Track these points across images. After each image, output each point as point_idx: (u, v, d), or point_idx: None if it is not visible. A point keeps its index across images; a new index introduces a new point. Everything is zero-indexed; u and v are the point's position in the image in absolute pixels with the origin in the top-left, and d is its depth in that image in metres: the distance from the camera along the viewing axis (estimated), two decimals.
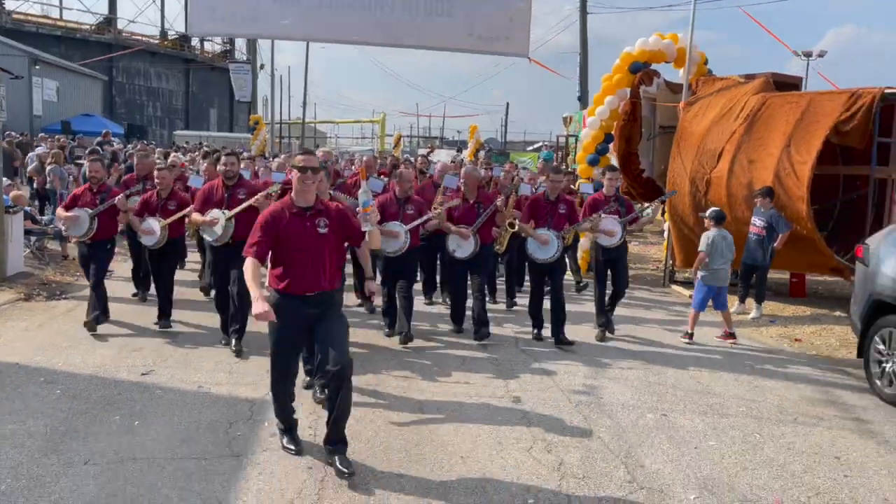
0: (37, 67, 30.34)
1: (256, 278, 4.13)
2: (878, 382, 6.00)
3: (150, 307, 7.74)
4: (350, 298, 8.27)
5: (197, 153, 16.44)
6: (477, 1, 10.37)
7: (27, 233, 10.30)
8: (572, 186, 10.00)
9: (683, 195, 10.20)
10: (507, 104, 51.48)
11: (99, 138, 19.34)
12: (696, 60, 11.77)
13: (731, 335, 7.74)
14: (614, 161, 12.47)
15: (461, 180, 7.51)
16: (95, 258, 7.21)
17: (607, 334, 7.62)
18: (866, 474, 4.47)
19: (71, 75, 35.07)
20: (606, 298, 7.69)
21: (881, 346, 6.00)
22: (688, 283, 11.19)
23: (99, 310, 7.07)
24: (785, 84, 10.64)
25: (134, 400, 5.25)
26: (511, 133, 62.17)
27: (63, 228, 7.98)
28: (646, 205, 7.11)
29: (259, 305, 3.95)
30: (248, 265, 4.18)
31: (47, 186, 13.12)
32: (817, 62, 44.70)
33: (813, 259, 9.19)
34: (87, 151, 12.83)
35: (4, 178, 10.47)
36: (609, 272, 7.67)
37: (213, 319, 7.11)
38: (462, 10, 10.35)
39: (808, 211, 8.68)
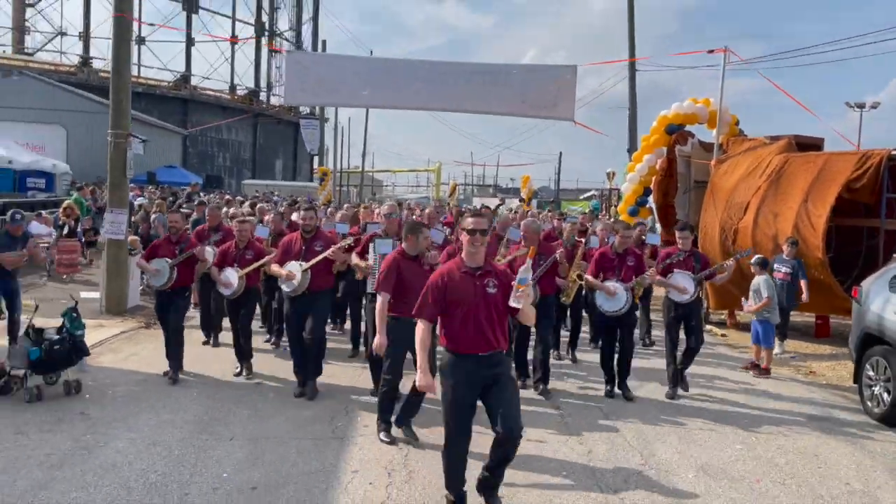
0: None
1: (425, 345, 4.35)
2: (868, 403, 7.04)
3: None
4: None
5: (274, 203, 18.19)
6: (529, 74, 11.94)
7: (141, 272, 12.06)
8: (643, 237, 9.81)
9: (714, 243, 11.36)
10: (560, 153, 53.14)
11: (188, 189, 21.45)
12: (728, 121, 13.03)
13: (769, 371, 8.74)
14: (655, 211, 13.69)
15: (522, 233, 7.61)
16: (175, 306, 7.56)
17: (679, 391, 7.53)
18: (837, 468, 5.57)
19: (154, 130, 38.08)
20: (678, 355, 7.57)
21: (871, 373, 7.05)
22: (720, 324, 12.24)
23: (175, 364, 7.44)
24: (807, 145, 11.78)
25: (255, 400, 6.72)
26: (564, 181, 63.28)
27: (145, 278, 8.30)
28: (727, 262, 7.56)
29: (423, 378, 4.28)
30: (420, 329, 4.39)
31: (151, 232, 14.99)
32: (870, 112, 45.22)
33: (831, 301, 10.20)
34: (195, 203, 14.60)
35: None
36: (682, 327, 7.60)
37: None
38: (516, 81, 11.89)
39: (824, 258, 9.74)
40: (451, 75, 11.52)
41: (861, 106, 41.84)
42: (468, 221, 4.40)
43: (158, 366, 7.70)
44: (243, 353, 7.74)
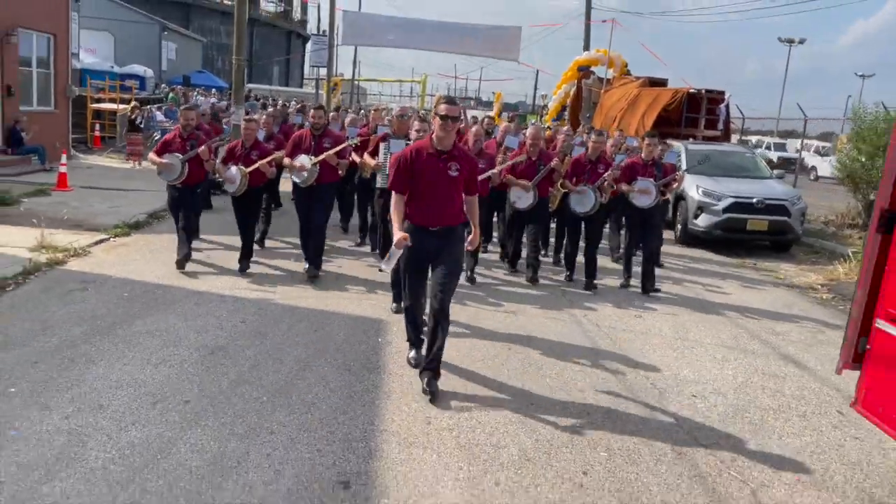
0: (165, 33, 39.37)
1: (398, 210, 4.73)
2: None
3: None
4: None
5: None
6: (490, 30, 19.24)
7: None
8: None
9: None
10: (537, 71, 57.94)
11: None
12: (619, 65, 20.47)
13: None
14: (569, 122, 21.19)
15: (529, 140, 8.06)
16: (185, 202, 7.65)
17: (652, 292, 8.12)
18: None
19: (181, 37, 43.86)
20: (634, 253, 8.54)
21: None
22: None
23: (186, 249, 7.60)
24: (656, 82, 19.25)
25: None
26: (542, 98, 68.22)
27: (157, 172, 8.15)
28: (677, 174, 8.49)
29: (398, 234, 4.58)
30: (393, 199, 4.78)
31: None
32: (798, 48, 53.19)
33: None
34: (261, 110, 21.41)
35: None
36: (641, 230, 8.28)
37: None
38: (482, 34, 19.14)
39: None
40: (444, 29, 18.70)
41: (790, 41, 49.75)
42: (442, 107, 4.65)
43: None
44: (246, 252, 7.81)
